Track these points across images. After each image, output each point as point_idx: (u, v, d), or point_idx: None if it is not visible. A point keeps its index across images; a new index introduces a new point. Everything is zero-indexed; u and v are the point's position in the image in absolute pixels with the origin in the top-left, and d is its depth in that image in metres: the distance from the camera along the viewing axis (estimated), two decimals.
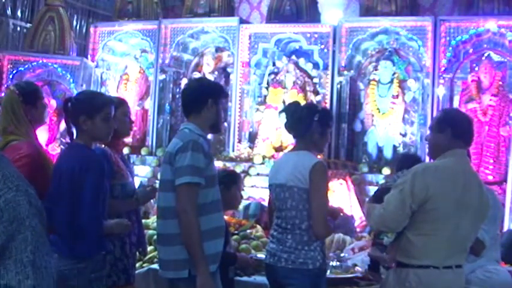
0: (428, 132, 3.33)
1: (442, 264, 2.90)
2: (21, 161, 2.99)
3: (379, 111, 6.73)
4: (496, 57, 6.38)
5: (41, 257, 1.44)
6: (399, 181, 3.05)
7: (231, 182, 3.75)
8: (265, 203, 5.86)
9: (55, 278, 1.48)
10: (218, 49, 7.67)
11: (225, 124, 7.08)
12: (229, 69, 7.53)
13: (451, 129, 3.04)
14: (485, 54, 6.39)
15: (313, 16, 7.21)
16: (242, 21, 7.46)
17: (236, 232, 4.78)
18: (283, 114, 3.45)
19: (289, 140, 6.65)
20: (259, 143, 7.06)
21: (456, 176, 2.97)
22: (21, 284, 1.39)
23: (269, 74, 7.33)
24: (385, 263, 3.06)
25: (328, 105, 6.60)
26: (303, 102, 5.37)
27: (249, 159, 6.75)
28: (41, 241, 1.45)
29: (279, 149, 6.88)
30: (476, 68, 6.38)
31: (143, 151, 7.38)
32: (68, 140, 3.23)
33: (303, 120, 3.31)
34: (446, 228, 2.91)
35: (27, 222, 1.43)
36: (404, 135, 6.75)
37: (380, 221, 3.02)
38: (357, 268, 4.09)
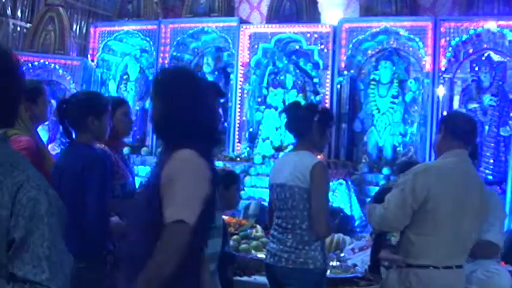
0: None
1: (442, 264, 2.90)
2: (21, 153, 2.99)
3: (379, 111, 6.73)
4: (496, 57, 6.37)
5: (57, 254, 1.50)
6: (400, 181, 3.05)
7: (230, 182, 3.75)
8: (265, 203, 5.86)
9: (68, 277, 1.53)
10: (218, 49, 7.67)
11: (225, 124, 7.08)
12: (229, 69, 7.53)
13: (445, 129, 3.06)
14: (485, 54, 6.39)
15: (313, 16, 7.20)
16: (242, 21, 7.46)
17: (236, 232, 4.77)
18: (284, 114, 3.47)
19: (289, 140, 6.65)
20: (259, 143, 7.07)
21: (457, 176, 2.97)
22: (37, 276, 1.45)
23: (269, 74, 7.33)
24: (398, 264, 3.04)
25: (328, 105, 6.59)
26: (303, 103, 5.39)
27: (249, 159, 6.75)
28: (58, 239, 1.52)
29: (279, 149, 6.88)
30: (476, 68, 6.38)
31: (143, 151, 7.38)
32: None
33: (303, 121, 3.31)
34: (446, 228, 2.91)
35: (45, 219, 1.49)
36: (404, 135, 6.75)
37: (381, 221, 3.02)
38: (357, 268, 4.09)
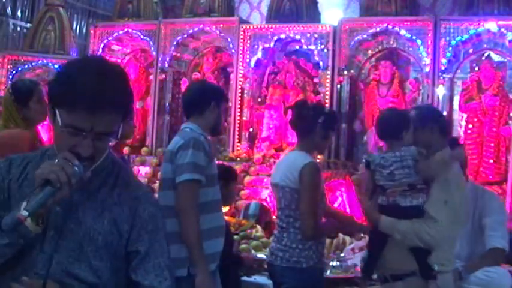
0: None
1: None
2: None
3: (379, 111, 6.72)
4: (496, 57, 6.38)
5: (171, 262, 1.66)
6: (436, 192, 2.93)
7: (231, 178, 3.77)
8: (266, 203, 5.86)
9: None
10: (218, 49, 7.67)
11: (225, 124, 7.08)
12: (229, 69, 7.53)
13: (439, 128, 2.95)
14: (485, 54, 6.39)
15: (313, 16, 7.20)
16: (242, 21, 7.46)
17: (236, 232, 4.78)
18: (290, 111, 3.47)
19: (289, 140, 6.65)
20: (259, 143, 7.06)
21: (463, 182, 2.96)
22: (162, 284, 1.61)
23: (269, 74, 7.32)
24: None
25: (328, 105, 6.58)
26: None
27: (249, 159, 6.75)
28: (168, 249, 1.68)
29: (279, 149, 6.88)
30: (476, 68, 6.38)
31: (143, 151, 7.38)
32: None
33: (307, 121, 3.30)
34: (453, 239, 2.91)
35: (162, 232, 1.68)
36: None
37: (439, 237, 2.87)
38: (357, 268, 4.09)
